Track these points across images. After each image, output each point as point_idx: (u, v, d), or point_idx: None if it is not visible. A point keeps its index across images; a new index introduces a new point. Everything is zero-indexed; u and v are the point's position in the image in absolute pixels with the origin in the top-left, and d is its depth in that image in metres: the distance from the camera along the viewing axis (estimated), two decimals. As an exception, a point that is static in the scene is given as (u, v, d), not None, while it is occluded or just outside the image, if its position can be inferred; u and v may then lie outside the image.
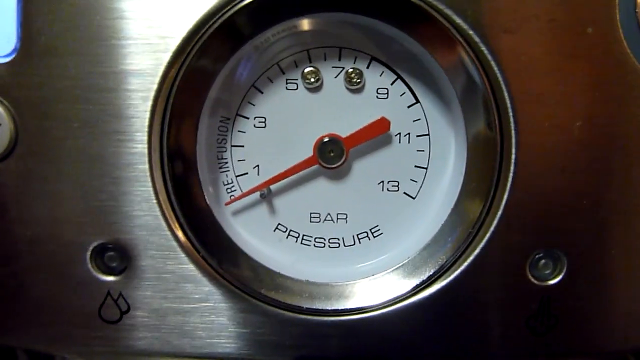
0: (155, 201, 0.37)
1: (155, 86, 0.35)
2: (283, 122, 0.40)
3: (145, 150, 0.36)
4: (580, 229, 0.37)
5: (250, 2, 0.34)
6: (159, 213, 0.37)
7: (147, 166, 0.36)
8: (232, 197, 0.40)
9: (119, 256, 0.37)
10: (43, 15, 0.35)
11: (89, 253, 0.37)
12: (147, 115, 0.36)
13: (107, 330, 0.38)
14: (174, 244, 0.37)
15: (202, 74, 0.37)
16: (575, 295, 0.38)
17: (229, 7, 0.34)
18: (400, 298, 0.38)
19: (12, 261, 0.37)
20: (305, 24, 0.38)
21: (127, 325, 0.38)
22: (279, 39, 0.38)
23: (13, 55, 0.36)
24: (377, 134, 0.39)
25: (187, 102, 0.37)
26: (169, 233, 0.37)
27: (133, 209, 0.37)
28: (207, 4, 0.34)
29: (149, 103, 0.35)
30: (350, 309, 0.38)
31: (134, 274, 0.38)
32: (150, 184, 0.36)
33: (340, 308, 0.38)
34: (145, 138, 0.36)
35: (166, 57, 0.35)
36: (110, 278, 0.38)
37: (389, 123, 0.39)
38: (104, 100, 0.35)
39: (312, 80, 0.39)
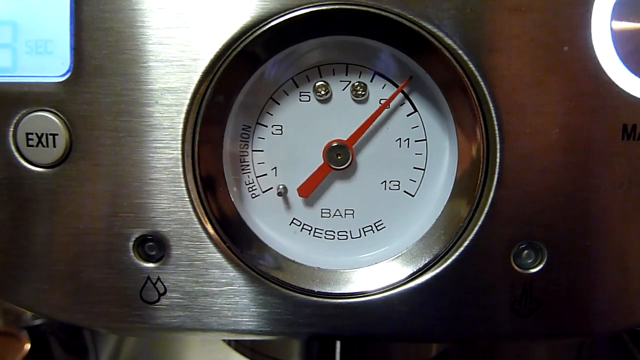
0: (188, 199, 0.41)
1: (187, 101, 0.40)
2: (297, 129, 0.44)
3: (180, 156, 0.41)
4: (559, 223, 0.41)
5: (267, 30, 0.39)
6: (191, 209, 0.41)
7: (181, 169, 0.41)
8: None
9: (157, 246, 0.42)
10: (92, 41, 0.40)
11: (131, 243, 0.42)
12: (181, 126, 0.40)
13: (146, 309, 0.43)
14: (204, 235, 0.42)
15: (227, 90, 0.41)
16: (555, 282, 0.42)
17: (248, 34, 0.39)
18: (399, 283, 0.42)
19: (67, 249, 0.42)
20: (316, 44, 0.43)
21: (164, 306, 0.43)
22: (294, 57, 0.43)
23: (67, 75, 0.40)
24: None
25: (214, 115, 0.41)
26: (199, 227, 0.42)
27: (169, 206, 0.41)
28: (231, 31, 0.39)
29: (182, 116, 0.40)
30: (355, 292, 0.43)
31: (170, 262, 0.42)
32: (183, 184, 0.41)
33: (346, 292, 0.43)
34: (179, 145, 0.40)
35: (197, 77, 0.40)
36: (150, 265, 0.42)
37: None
38: (145, 114, 0.40)
39: (323, 92, 0.44)
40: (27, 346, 0.71)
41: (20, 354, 0.69)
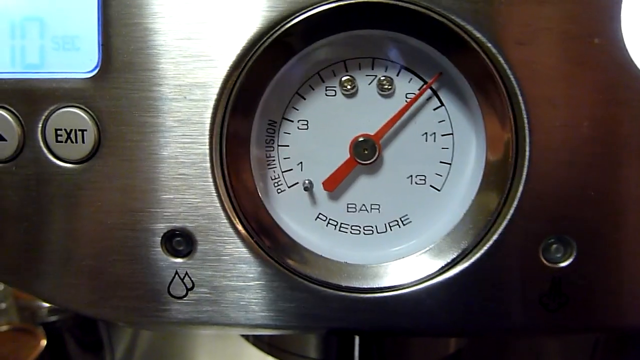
0: (215, 195, 0.41)
1: (215, 96, 0.40)
2: (323, 124, 0.44)
3: (207, 151, 0.41)
4: (588, 217, 0.41)
5: (294, 25, 0.39)
6: (218, 205, 0.41)
7: (209, 165, 0.41)
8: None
9: (185, 241, 0.42)
10: (120, 37, 0.40)
11: (159, 238, 0.42)
12: (209, 121, 0.40)
13: (174, 304, 0.43)
14: (231, 231, 0.42)
15: (254, 84, 0.41)
16: (584, 276, 0.42)
17: (276, 29, 0.39)
18: (427, 278, 0.42)
19: (95, 245, 0.43)
20: (343, 39, 0.42)
21: (192, 300, 0.43)
22: (320, 52, 0.43)
23: (95, 71, 0.40)
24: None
25: (241, 109, 0.41)
26: (227, 222, 0.42)
27: (197, 201, 0.41)
28: (259, 25, 0.39)
29: (210, 111, 0.40)
30: (383, 287, 0.43)
31: (198, 257, 0.42)
32: (211, 180, 0.41)
33: (374, 286, 0.43)
34: (207, 141, 0.40)
35: (224, 71, 0.40)
36: (178, 260, 0.42)
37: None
38: (172, 109, 0.40)
39: (349, 87, 0.44)
40: (43, 342, 0.72)
41: (37, 350, 0.70)
